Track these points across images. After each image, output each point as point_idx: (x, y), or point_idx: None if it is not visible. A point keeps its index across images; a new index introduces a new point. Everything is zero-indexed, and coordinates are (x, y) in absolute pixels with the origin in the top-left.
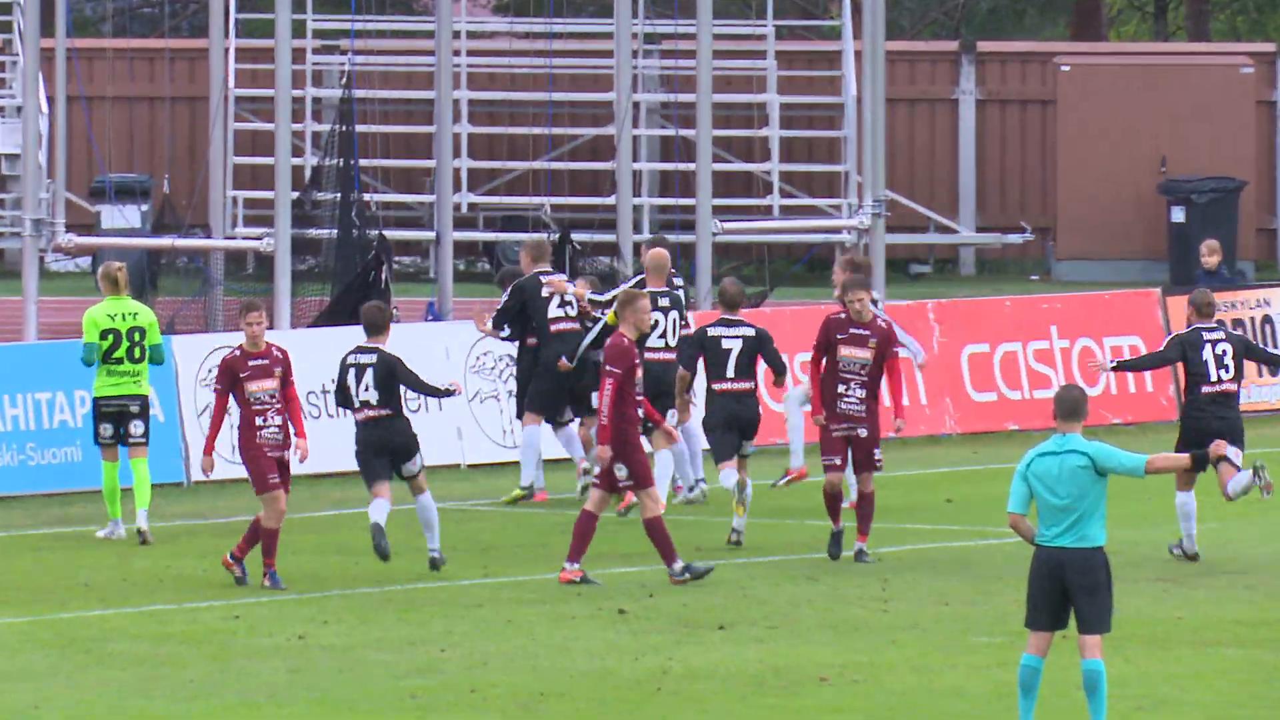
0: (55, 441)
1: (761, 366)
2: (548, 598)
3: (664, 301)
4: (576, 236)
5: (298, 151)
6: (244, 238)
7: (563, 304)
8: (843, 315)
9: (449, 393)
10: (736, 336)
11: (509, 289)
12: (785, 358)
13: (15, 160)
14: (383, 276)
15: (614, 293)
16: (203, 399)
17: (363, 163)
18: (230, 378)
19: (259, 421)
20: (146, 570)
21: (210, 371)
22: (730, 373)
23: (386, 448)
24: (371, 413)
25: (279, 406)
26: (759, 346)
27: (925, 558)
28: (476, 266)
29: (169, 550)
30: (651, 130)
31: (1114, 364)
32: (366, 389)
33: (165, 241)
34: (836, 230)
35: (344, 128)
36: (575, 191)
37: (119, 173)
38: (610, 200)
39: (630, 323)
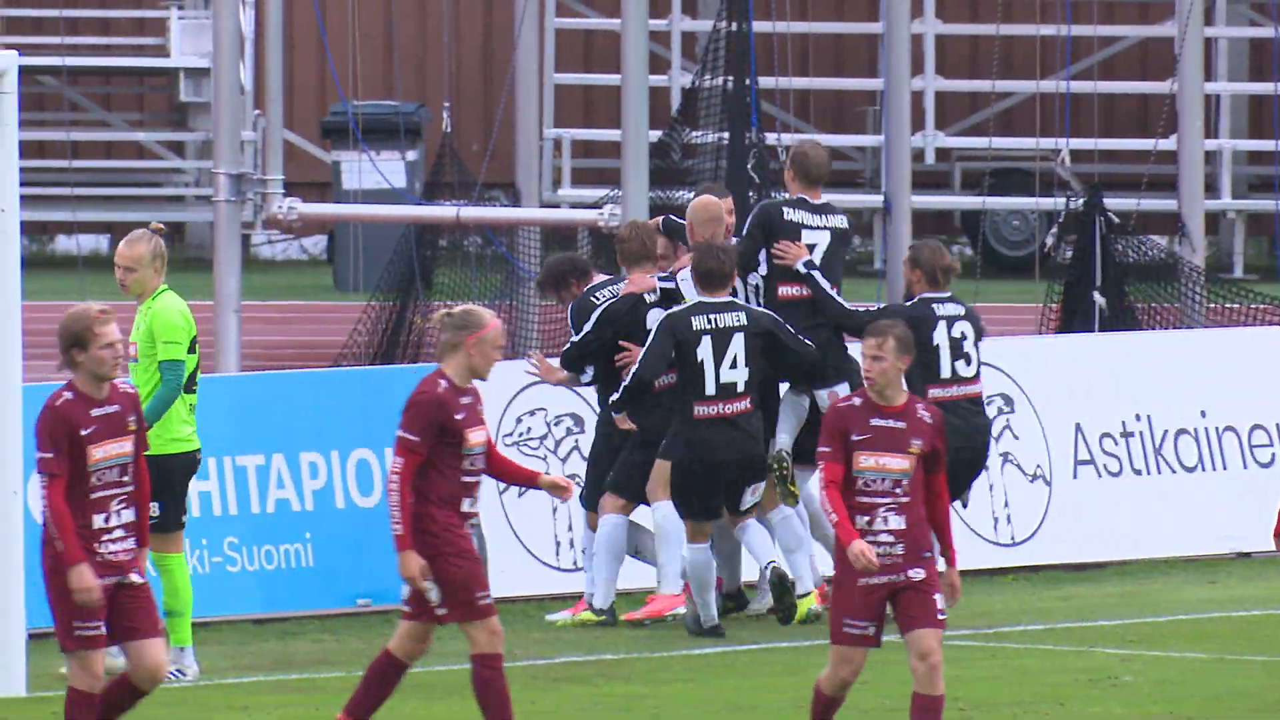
0: (271, 535)
1: None
2: None
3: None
4: (1112, 203)
5: (658, 65)
6: (571, 205)
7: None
8: None
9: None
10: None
11: (598, 311)
12: None
13: (202, 79)
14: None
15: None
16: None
17: (766, 84)
18: (843, 440)
19: (865, 521)
20: None
21: (520, 421)
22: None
23: (734, 463)
24: (726, 407)
25: (905, 500)
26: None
27: None
28: (951, 251)
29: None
30: (1236, 29)
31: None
32: (734, 365)
33: (445, 211)
34: None
35: (734, 26)
36: (1109, 130)
37: (370, 99)
38: (1167, 144)
39: None
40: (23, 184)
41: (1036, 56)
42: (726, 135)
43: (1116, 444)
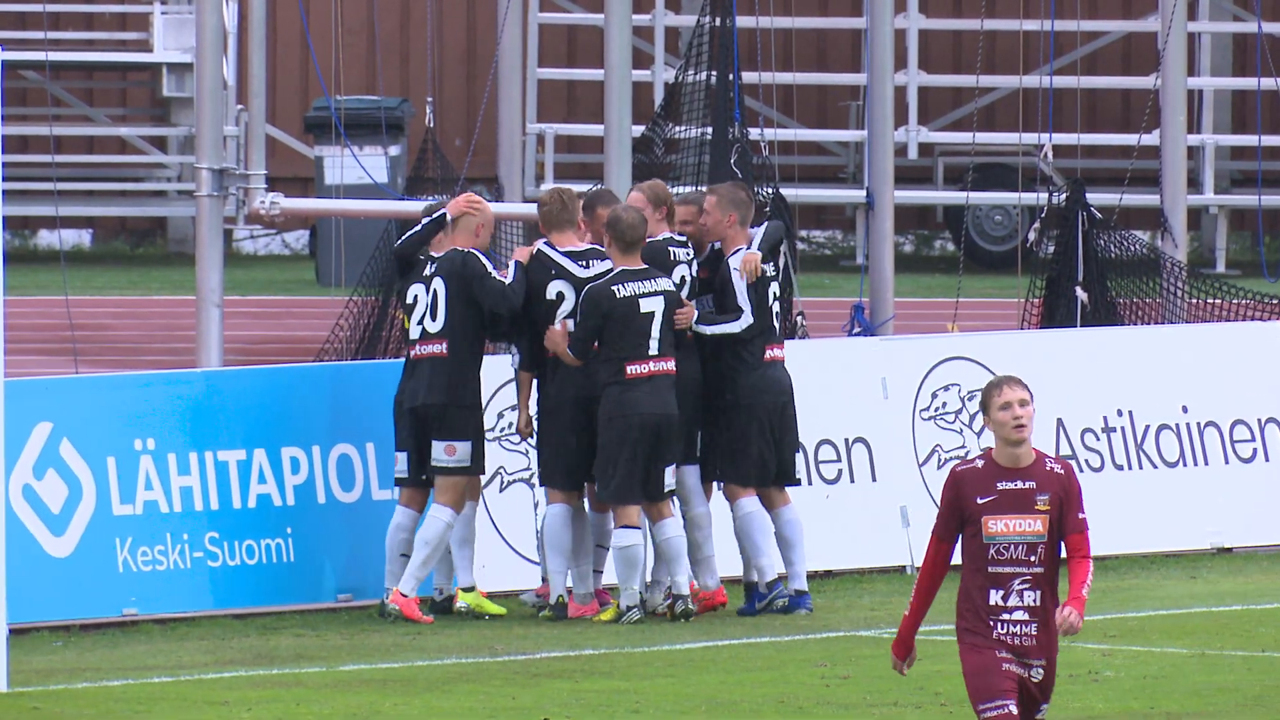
0: (250, 530)
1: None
2: None
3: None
4: (1096, 199)
5: (641, 60)
6: None
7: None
8: None
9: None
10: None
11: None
12: None
13: (184, 73)
14: (781, 263)
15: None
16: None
17: (750, 79)
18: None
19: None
20: None
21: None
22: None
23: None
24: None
25: (1036, 572)
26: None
27: None
28: (933, 246)
29: None
30: (1219, 25)
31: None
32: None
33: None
34: None
35: (717, 21)
36: (1092, 125)
37: (353, 95)
38: (1150, 139)
39: None
40: (5, 179)
41: (1020, 51)
42: (710, 130)
43: (1098, 439)
